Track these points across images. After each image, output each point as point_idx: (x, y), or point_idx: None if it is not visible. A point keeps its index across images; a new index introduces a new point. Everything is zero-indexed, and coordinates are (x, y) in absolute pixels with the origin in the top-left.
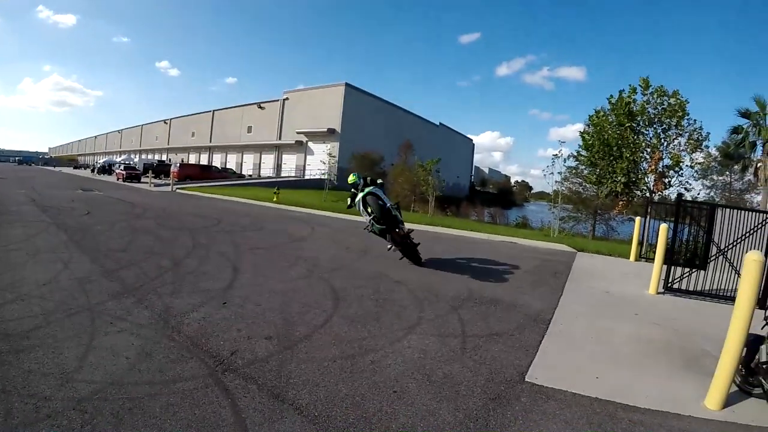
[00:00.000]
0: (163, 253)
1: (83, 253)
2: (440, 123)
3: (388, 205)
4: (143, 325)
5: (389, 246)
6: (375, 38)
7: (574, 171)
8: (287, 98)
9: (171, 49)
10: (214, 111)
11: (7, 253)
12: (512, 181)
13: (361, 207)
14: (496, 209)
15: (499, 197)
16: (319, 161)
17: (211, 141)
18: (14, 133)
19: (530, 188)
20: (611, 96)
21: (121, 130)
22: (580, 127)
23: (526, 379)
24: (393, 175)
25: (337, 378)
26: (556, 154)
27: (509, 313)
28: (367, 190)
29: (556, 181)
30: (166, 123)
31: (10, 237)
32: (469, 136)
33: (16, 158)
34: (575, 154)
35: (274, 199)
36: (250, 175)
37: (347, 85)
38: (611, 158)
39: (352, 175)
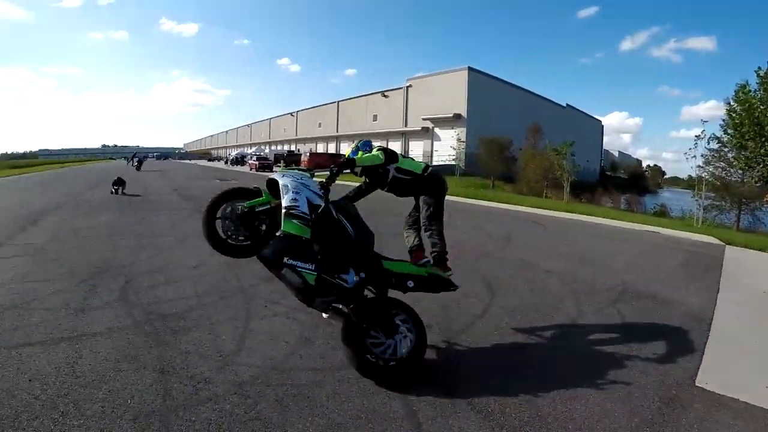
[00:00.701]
0: None
1: None
2: (567, 104)
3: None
4: (298, 309)
5: None
6: (490, 21)
7: (717, 154)
8: (410, 85)
9: (290, 46)
10: (338, 102)
11: (157, 239)
12: (643, 165)
13: None
14: (631, 196)
15: (631, 183)
16: (448, 147)
17: (337, 131)
18: (152, 132)
19: (663, 173)
20: (759, 68)
21: (251, 124)
22: (713, 104)
23: (697, 384)
24: (523, 159)
25: (506, 373)
26: (699, 136)
27: (668, 310)
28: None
29: (698, 166)
30: (293, 116)
31: (159, 224)
32: (596, 117)
33: (155, 154)
34: (718, 135)
35: None
36: None
37: (470, 68)
38: (763, 139)
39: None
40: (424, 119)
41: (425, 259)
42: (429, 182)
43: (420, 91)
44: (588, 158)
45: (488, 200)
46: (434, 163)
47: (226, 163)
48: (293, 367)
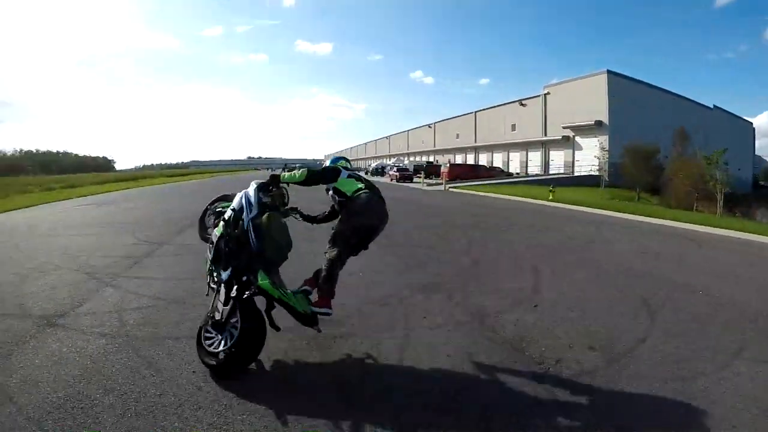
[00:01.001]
0: (460, 250)
1: (380, 248)
2: (714, 105)
3: None
4: (459, 323)
5: None
6: (622, 21)
7: None
8: (548, 92)
9: (422, 59)
10: (475, 112)
11: (301, 244)
12: None
13: None
14: None
15: None
16: (590, 157)
17: (475, 141)
18: (294, 144)
19: None
20: None
21: (389, 136)
22: None
23: None
24: (672, 169)
25: (672, 403)
26: None
27: None
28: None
29: None
30: (431, 127)
31: (312, 232)
32: (746, 118)
33: (297, 165)
34: None
35: (550, 197)
36: (517, 173)
37: (609, 72)
38: None
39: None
40: (564, 127)
41: (304, 287)
42: (349, 205)
43: (558, 98)
44: (739, 166)
45: (636, 214)
46: (576, 174)
47: (366, 173)
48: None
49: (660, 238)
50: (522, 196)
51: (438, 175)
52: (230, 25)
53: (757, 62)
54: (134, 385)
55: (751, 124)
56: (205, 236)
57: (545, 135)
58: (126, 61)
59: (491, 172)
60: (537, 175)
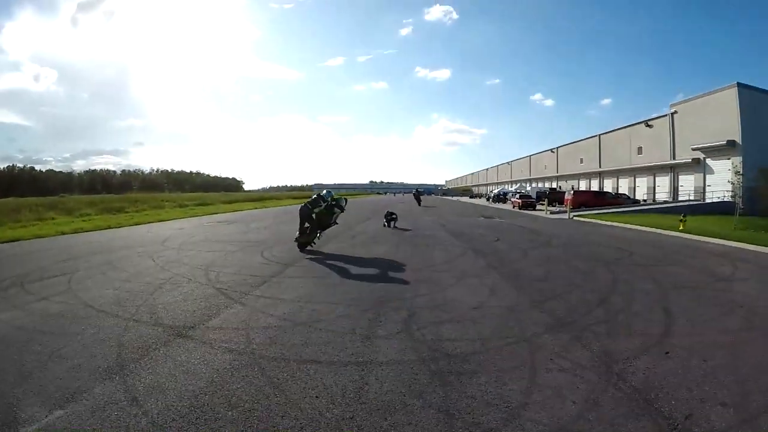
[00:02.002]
0: (585, 286)
1: (505, 280)
2: None
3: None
4: (585, 367)
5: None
6: (742, 28)
7: None
8: (675, 111)
9: (541, 81)
10: (599, 135)
11: (435, 274)
12: None
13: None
14: None
15: None
16: (722, 181)
17: (600, 166)
18: (415, 170)
19: None
20: None
21: (511, 161)
22: None
23: None
24: None
25: None
26: None
27: None
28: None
29: None
30: (553, 152)
31: (432, 260)
32: None
33: (417, 189)
34: None
35: (680, 227)
36: (644, 200)
37: (740, 85)
38: None
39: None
40: (693, 149)
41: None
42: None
43: (686, 116)
44: None
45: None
46: (707, 200)
47: (487, 200)
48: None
49: None
50: (649, 226)
51: (561, 202)
52: (352, 56)
53: None
54: (258, 404)
55: None
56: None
57: (673, 158)
58: (255, 91)
59: (617, 199)
60: (665, 202)
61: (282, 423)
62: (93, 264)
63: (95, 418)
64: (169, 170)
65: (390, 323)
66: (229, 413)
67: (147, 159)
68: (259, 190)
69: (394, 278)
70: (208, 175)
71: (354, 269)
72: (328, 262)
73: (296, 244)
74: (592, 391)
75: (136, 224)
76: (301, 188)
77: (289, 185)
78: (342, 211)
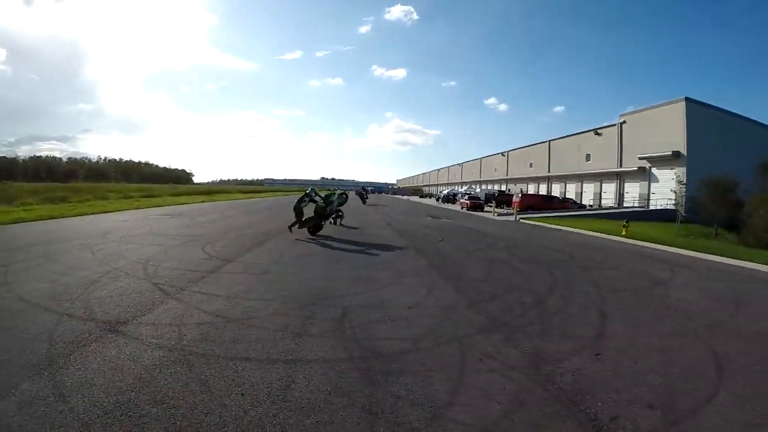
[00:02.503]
0: (524, 288)
1: (444, 280)
2: None
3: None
4: (514, 368)
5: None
6: (700, 45)
7: None
8: (624, 122)
9: (497, 86)
10: (549, 141)
11: (374, 273)
12: None
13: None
14: None
15: None
16: (666, 190)
17: (549, 171)
18: (367, 168)
19: None
20: None
21: (462, 163)
22: None
23: None
24: (752, 205)
25: None
26: None
27: None
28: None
29: None
30: (504, 155)
31: (374, 258)
32: None
33: (370, 188)
34: None
35: (623, 232)
36: (590, 205)
37: (688, 99)
38: None
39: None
40: (640, 158)
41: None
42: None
43: (634, 127)
44: None
45: (713, 253)
46: (651, 207)
47: (437, 200)
48: None
49: (740, 282)
50: (593, 230)
51: (510, 204)
52: (310, 50)
53: None
54: (183, 400)
55: None
56: (299, 209)
57: (620, 166)
58: (209, 81)
59: (564, 203)
60: (611, 207)
61: (206, 420)
62: (31, 256)
63: (22, 414)
64: (117, 159)
65: (323, 321)
66: (154, 410)
67: (95, 147)
68: (209, 183)
69: (333, 276)
70: (157, 166)
71: (293, 267)
72: (270, 258)
73: (307, 230)
74: (518, 392)
75: (79, 215)
76: (251, 182)
77: (240, 179)
78: (341, 204)
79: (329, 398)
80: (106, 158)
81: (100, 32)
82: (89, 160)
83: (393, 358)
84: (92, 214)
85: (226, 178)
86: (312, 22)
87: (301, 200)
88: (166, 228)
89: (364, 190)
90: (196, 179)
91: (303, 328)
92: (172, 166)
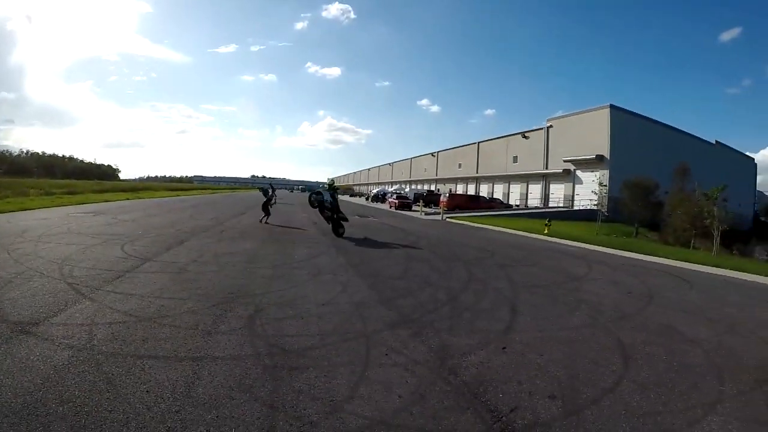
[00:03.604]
0: (439, 285)
1: (360, 278)
2: (716, 141)
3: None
4: (419, 362)
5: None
6: (627, 55)
7: None
8: (551, 126)
9: (429, 87)
10: (479, 143)
11: (292, 271)
12: None
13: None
14: None
15: None
16: (590, 191)
17: (477, 172)
18: (298, 167)
19: None
20: None
21: (392, 163)
22: None
23: None
24: (671, 205)
25: None
26: None
27: None
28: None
29: None
30: (434, 156)
31: (295, 256)
32: (748, 154)
33: (300, 187)
34: None
35: (545, 231)
36: (517, 205)
37: (612, 107)
38: None
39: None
40: (565, 161)
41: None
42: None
43: (561, 131)
44: (740, 202)
45: (630, 250)
46: (575, 208)
47: (367, 199)
48: (402, 425)
49: (653, 277)
50: (517, 229)
51: (438, 204)
52: (245, 45)
53: (760, 97)
54: (89, 399)
55: (753, 159)
56: (312, 204)
57: (546, 168)
58: (138, 72)
59: (491, 203)
60: (536, 207)
61: (109, 417)
62: None
63: None
64: (40, 153)
65: (234, 319)
66: (60, 409)
67: (17, 139)
68: (136, 180)
69: (251, 274)
70: (82, 161)
71: (212, 265)
72: (189, 256)
73: (334, 233)
74: (420, 385)
75: None
76: (180, 179)
77: (168, 176)
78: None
79: (232, 394)
80: (28, 152)
81: (26, 16)
82: (10, 154)
83: (299, 354)
84: (10, 212)
85: (154, 175)
86: (248, 16)
87: (319, 194)
88: (86, 226)
89: (272, 188)
90: (122, 175)
91: (214, 326)
92: (98, 161)
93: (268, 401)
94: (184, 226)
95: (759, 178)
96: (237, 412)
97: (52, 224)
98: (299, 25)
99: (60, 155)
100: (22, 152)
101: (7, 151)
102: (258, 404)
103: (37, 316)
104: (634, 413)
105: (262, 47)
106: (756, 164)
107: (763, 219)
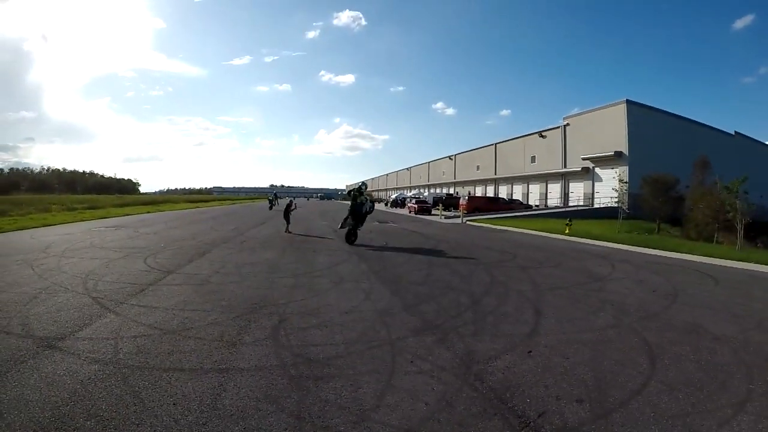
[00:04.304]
0: (461, 289)
1: (383, 284)
2: (736, 132)
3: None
4: (444, 369)
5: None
6: (641, 50)
7: None
8: (568, 124)
9: (444, 90)
10: (496, 144)
11: (314, 279)
12: None
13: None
14: None
15: None
16: (609, 188)
17: (495, 173)
18: (316, 174)
19: None
20: None
21: (410, 167)
22: None
23: None
24: (692, 199)
25: None
26: None
27: None
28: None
29: None
30: (451, 159)
31: (315, 264)
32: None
33: (319, 195)
34: None
35: (566, 230)
36: (536, 206)
37: (628, 102)
38: None
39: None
40: (583, 158)
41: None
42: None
43: (578, 129)
44: (761, 193)
45: (653, 247)
46: (595, 206)
47: (386, 205)
48: None
49: (677, 274)
50: (538, 230)
51: (457, 207)
52: (259, 56)
53: None
54: (116, 413)
55: None
56: (367, 212)
57: (565, 167)
58: (155, 87)
59: (510, 204)
60: (556, 207)
61: (137, 430)
62: None
63: None
64: (61, 169)
65: (258, 330)
66: (88, 423)
67: (38, 156)
68: (156, 193)
69: (273, 283)
70: (102, 176)
71: (234, 275)
72: (211, 267)
73: (346, 239)
74: (446, 392)
75: (20, 229)
76: (200, 191)
77: (188, 188)
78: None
79: (258, 405)
80: (49, 168)
81: (42, 36)
82: (32, 171)
83: (324, 364)
84: (34, 227)
85: (173, 188)
86: (261, 27)
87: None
88: (109, 240)
89: (276, 197)
90: (143, 189)
91: (238, 337)
92: (118, 176)
93: (295, 412)
94: (205, 237)
95: None
96: (264, 424)
97: (74, 239)
98: (311, 34)
99: (81, 171)
100: (44, 169)
101: (29, 168)
102: (285, 415)
103: (63, 330)
104: (663, 415)
105: (275, 58)
106: None
107: None
